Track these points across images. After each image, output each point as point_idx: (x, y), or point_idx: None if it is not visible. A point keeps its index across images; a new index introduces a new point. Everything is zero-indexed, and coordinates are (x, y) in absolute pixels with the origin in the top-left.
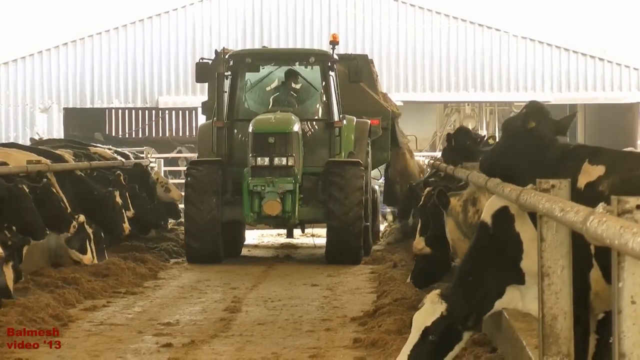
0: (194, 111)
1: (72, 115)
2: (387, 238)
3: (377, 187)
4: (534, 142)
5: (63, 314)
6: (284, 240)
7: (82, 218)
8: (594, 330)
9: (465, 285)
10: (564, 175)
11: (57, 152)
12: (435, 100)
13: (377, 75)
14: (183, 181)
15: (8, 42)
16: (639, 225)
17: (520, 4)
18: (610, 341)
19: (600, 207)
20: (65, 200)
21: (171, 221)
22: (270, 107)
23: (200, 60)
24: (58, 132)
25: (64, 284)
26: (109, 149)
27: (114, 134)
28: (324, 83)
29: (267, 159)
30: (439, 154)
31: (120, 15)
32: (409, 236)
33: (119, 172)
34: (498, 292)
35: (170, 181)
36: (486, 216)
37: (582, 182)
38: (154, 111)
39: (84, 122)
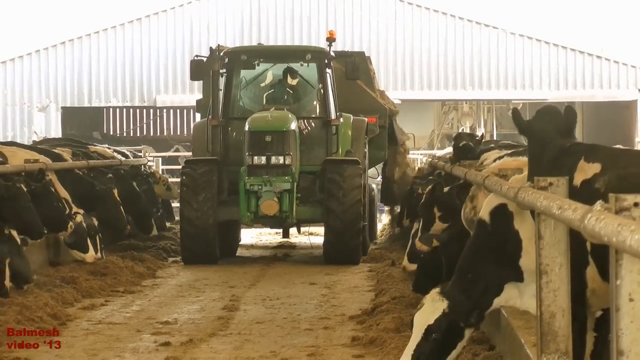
0: (191, 110)
1: (70, 114)
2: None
3: (374, 186)
4: (534, 141)
5: (61, 313)
6: (281, 239)
7: (79, 217)
8: (592, 328)
9: (464, 282)
10: (560, 172)
11: (56, 150)
12: (432, 99)
13: (374, 73)
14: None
15: (5, 41)
16: (637, 223)
17: (518, 2)
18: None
19: (598, 204)
20: (68, 199)
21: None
22: (265, 104)
23: (195, 58)
24: (56, 131)
25: (62, 283)
26: (108, 148)
27: (111, 133)
28: (320, 80)
29: (263, 158)
30: (437, 152)
31: (118, 14)
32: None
33: (110, 175)
34: (496, 290)
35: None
36: (484, 213)
37: (578, 179)
38: (151, 110)
39: (81, 121)
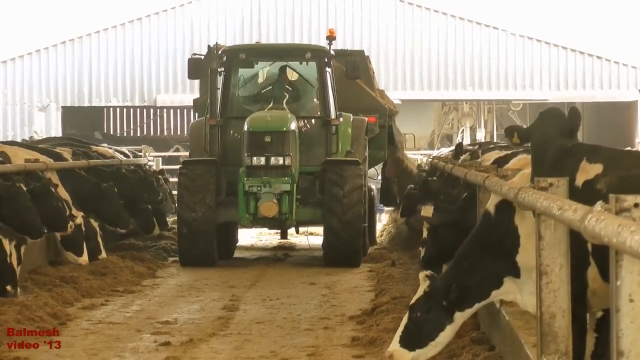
0: (192, 109)
1: (70, 114)
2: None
3: (373, 186)
4: (537, 143)
5: (61, 313)
6: (279, 240)
7: (79, 220)
8: (592, 329)
9: (459, 269)
10: (562, 173)
11: (56, 150)
12: (433, 99)
13: (373, 72)
14: None
15: (6, 40)
16: (637, 224)
17: (519, 2)
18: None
19: (599, 205)
20: (69, 200)
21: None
22: (264, 104)
23: (193, 56)
24: (56, 131)
25: (62, 283)
26: (109, 148)
27: (112, 133)
28: (320, 79)
29: (263, 159)
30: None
31: (118, 14)
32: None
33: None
34: (495, 282)
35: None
36: (490, 205)
37: (580, 180)
38: (152, 109)
39: (82, 120)
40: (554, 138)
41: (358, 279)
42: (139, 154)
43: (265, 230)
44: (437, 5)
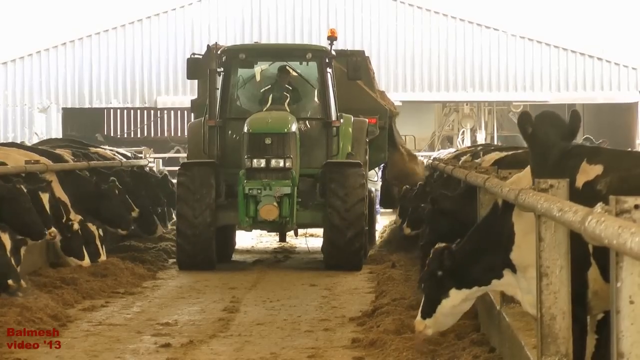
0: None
1: (70, 115)
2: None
3: (373, 189)
4: (537, 146)
5: (62, 314)
6: (278, 243)
7: (76, 225)
8: (593, 331)
9: (463, 249)
10: (562, 175)
11: (57, 151)
12: (433, 100)
13: (374, 73)
14: None
15: (7, 42)
16: (637, 225)
17: (519, 3)
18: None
19: (599, 207)
20: (67, 203)
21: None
22: (264, 105)
23: (192, 56)
24: (57, 132)
25: (63, 284)
26: (111, 150)
27: (112, 134)
28: (320, 80)
29: (263, 161)
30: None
31: (119, 16)
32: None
33: (113, 178)
34: (496, 272)
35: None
36: (499, 198)
37: (580, 181)
38: (152, 111)
39: (82, 122)
40: (553, 140)
41: (358, 281)
42: (139, 155)
43: (265, 232)
44: (437, 6)
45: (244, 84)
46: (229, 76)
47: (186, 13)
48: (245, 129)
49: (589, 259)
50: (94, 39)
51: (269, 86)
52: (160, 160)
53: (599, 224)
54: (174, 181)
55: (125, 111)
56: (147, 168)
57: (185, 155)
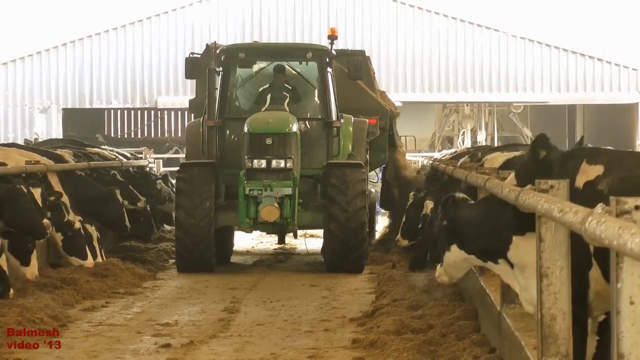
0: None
1: (70, 116)
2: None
3: (373, 190)
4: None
5: (62, 315)
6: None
7: (77, 225)
8: (594, 332)
9: (466, 219)
10: (562, 175)
11: (57, 152)
12: (434, 101)
13: (374, 73)
14: None
15: (7, 42)
16: (638, 226)
17: (519, 4)
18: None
19: (599, 207)
20: (67, 204)
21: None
22: (262, 104)
23: (190, 55)
24: (57, 133)
25: (63, 285)
26: (111, 151)
27: (112, 135)
28: (321, 80)
29: (264, 162)
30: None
31: (119, 16)
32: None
33: (114, 172)
34: (491, 257)
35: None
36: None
37: (580, 181)
38: (152, 111)
39: (82, 122)
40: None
41: (358, 281)
42: (139, 156)
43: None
44: (438, 7)
45: (242, 84)
46: (228, 76)
47: (186, 13)
48: (246, 129)
49: (590, 259)
50: (94, 39)
51: (267, 86)
52: (161, 161)
53: (599, 224)
54: (174, 181)
55: (125, 112)
56: (147, 168)
57: (184, 155)
